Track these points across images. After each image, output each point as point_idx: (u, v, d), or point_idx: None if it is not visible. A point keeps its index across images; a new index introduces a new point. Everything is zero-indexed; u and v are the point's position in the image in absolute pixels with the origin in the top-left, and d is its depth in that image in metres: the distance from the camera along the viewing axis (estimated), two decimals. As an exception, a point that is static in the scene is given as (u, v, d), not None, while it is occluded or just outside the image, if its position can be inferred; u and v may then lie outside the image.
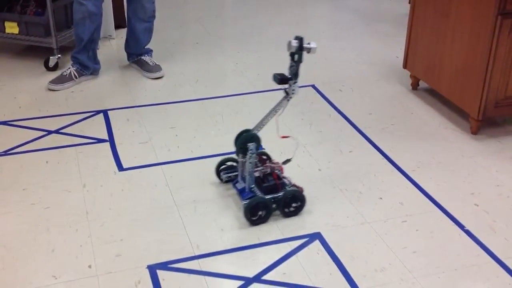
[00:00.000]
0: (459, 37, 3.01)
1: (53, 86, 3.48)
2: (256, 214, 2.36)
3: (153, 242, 2.27)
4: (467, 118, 3.10)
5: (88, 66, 3.58)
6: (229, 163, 2.62)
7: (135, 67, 3.77)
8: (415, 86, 3.53)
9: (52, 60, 3.70)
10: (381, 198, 2.55)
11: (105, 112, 3.23)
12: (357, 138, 3.02)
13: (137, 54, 3.76)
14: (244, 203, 2.37)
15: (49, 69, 3.70)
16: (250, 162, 2.40)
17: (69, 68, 3.56)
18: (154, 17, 3.69)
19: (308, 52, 2.31)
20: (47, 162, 2.77)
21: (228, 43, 4.31)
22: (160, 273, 2.12)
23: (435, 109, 3.31)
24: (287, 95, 2.37)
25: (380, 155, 2.87)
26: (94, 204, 2.48)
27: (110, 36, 4.24)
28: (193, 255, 2.21)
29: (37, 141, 2.94)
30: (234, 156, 2.56)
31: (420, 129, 3.12)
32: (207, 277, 2.10)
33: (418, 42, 3.37)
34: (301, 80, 3.59)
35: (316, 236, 2.31)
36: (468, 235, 2.33)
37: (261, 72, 3.79)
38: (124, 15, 4.16)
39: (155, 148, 2.90)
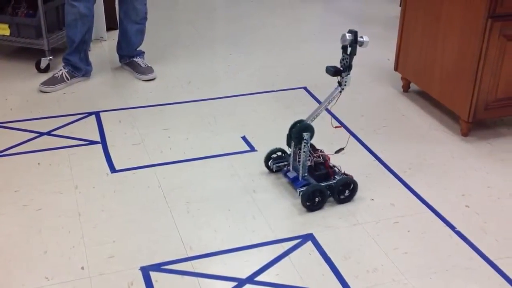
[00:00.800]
0: (450, 40, 3.04)
1: (44, 88, 3.47)
2: (313, 200, 2.45)
3: (146, 244, 2.27)
4: (457, 120, 3.12)
5: (80, 68, 3.58)
6: (278, 153, 2.71)
7: (127, 69, 3.77)
8: (406, 89, 3.55)
9: (44, 62, 3.69)
10: (373, 199, 2.56)
11: (97, 114, 3.23)
12: (349, 140, 3.02)
13: (129, 56, 3.76)
14: (301, 191, 2.46)
15: (41, 71, 3.69)
16: (304, 151, 2.49)
17: (61, 70, 3.55)
18: (146, 19, 3.69)
19: (361, 45, 2.42)
20: (39, 164, 2.77)
21: (220, 45, 4.32)
22: (153, 275, 2.12)
23: (426, 111, 3.34)
24: (340, 86, 2.46)
25: (372, 156, 2.89)
26: (87, 206, 2.48)
27: (102, 38, 4.23)
28: (186, 256, 2.21)
29: (29, 143, 2.94)
30: (280, 147, 2.69)
31: (411, 131, 3.15)
32: (200, 278, 2.11)
33: (409, 44, 3.39)
34: (292, 83, 3.65)
35: (309, 237, 2.32)
36: (459, 236, 2.35)
37: (253, 73, 3.80)
38: (116, 17, 4.15)
39: (147, 150, 2.90)
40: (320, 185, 2.47)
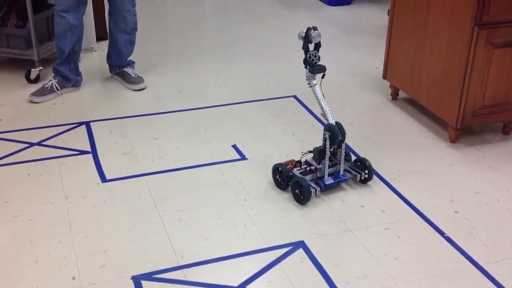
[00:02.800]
0: (437, 48, 3.08)
1: (34, 99, 3.47)
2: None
3: (137, 253, 2.27)
4: (446, 127, 3.15)
5: (70, 78, 3.58)
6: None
7: (118, 79, 3.78)
8: (394, 96, 3.58)
9: (34, 73, 3.69)
10: (363, 206, 2.58)
11: (87, 124, 3.23)
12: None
13: (119, 66, 3.77)
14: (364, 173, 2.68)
15: (31, 81, 3.69)
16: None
17: (51, 80, 3.56)
18: (135, 29, 3.70)
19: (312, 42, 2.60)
20: (29, 174, 2.77)
21: (210, 54, 4.34)
22: (145, 284, 2.12)
23: (414, 118, 3.37)
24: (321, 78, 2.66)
25: (362, 164, 2.91)
26: (77, 216, 2.48)
27: (92, 48, 4.24)
28: (178, 265, 2.21)
29: (19, 153, 2.93)
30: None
31: (400, 138, 3.17)
32: (191, 287, 2.11)
33: (397, 53, 3.43)
34: (282, 91, 3.68)
35: (300, 244, 2.33)
36: (449, 242, 2.37)
37: (243, 82, 3.82)
38: (106, 28, 4.17)
39: (138, 159, 2.91)
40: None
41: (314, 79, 2.65)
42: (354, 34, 4.74)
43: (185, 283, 2.13)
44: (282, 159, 2.90)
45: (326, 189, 2.63)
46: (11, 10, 3.79)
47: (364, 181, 2.72)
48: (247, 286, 2.12)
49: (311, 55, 2.62)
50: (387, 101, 3.58)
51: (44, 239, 2.33)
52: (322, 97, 2.65)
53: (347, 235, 2.40)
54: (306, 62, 2.62)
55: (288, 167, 2.65)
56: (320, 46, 2.62)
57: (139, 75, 3.74)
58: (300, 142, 3.10)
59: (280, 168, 2.66)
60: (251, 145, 3.05)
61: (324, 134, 2.59)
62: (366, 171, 2.69)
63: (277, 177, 2.68)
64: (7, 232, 2.37)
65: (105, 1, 4.09)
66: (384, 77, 3.59)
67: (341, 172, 2.68)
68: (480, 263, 2.25)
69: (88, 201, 2.58)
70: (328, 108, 2.64)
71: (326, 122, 2.63)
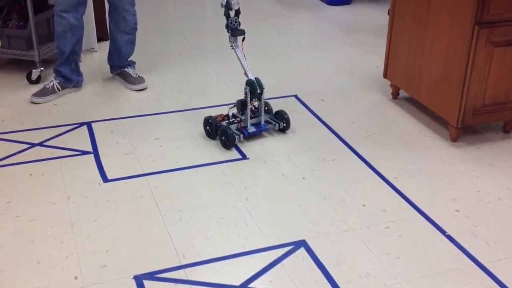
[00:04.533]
0: (438, 47, 3.08)
1: (36, 99, 3.47)
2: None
3: (139, 253, 2.28)
4: (446, 126, 3.15)
5: (71, 79, 3.59)
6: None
7: (118, 79, 3.78)
8: (395, 95, 3.58)
9: (35, 73, 3.70)
10: (364, 205, 2.59)
11: (88, 124, 3.24)
12: (339, 147, 3.06)
13: (120, 66, 3.77)
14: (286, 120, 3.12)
15: (32, 82, 3.70)
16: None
17: (52, 81, 3.56)
18: (136, 29, 3.71)
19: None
20: (31, 174, 2.77)
21: (210, 54, 4.34)
22: (147, 283, 2.13)
23: (415, 117, 3.37)
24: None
25: (363, 163, 2.91)
26: (79, 216, 2.48)
27: (93, 48, 4.24)
28: (180, 264, 2.22)
29: (21, 154, 2.94)
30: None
31: (401, 137, 3.18)
32: (193, 286, 2.12)
33: (397, 52, 3.43)
34: (283, 91, 3.68)
35: (301, 243, 2.34)
36: (450, 240, 2.37)
37: (244, 83, 3.81)
38: (106, 28, 4.17)
39: (139, 159, 2.91)
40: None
41: (236, 41, 3.02)
42: (354, 34, 4.75)
43: (187, 282, 2.14)
44: (284, 159, 2.91)
45: (250, 136, 3.05)
46: (12, 11, 3.79)
47: (283, 130, 3.14)
48: (249, 285, 2.12)
49: (232, 21, 2.97)
50: (388, 100, 3.58)
51: (46, 239, 2.33)
52: (244, 57, 3.04)
53: (348, 234, 2.40)
54: (228, 27, 2.97)
55: (217, 119, 3.05)
56: (239, 12, 2.98)
57: (140, 75, 3.74)
58: (300, 141, 3.10)
59: (210, 120, 3.05)
60: (252, 145, 3.05)
61: (245, 89, 3.00)
62: (284, 121, 3.11)
63: (207, 128, 3.07)
64: (9, 232, 2.38)
65: (105, 2, 4.10)
66: (385, 76, 3.59)
67: (262, 122, 3.09)
68: (482, 261, 2.26)
69: (90, 201, 2.58)
70: (248, 66, 3.03)
71: (247, 78, 3.02)
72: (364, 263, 2.24)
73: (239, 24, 2.99)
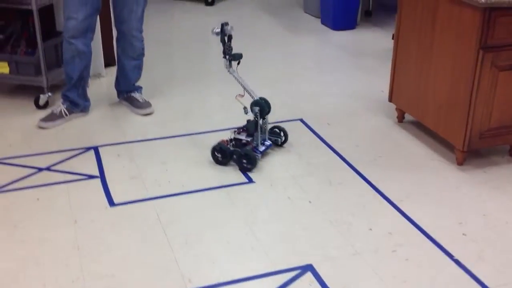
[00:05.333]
0: (442, 71, 3.10)
1: (43, 124, 3.50)
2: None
3: (145, 277, 2.27)
4: (452, 149, 3.16)
5: (78, 104, 3.62)
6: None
7: (125, 104, 3.81)
8: (400, 119, 3.59)
9: (43, 99, 3.73)
10: (371, 229, 2.58)
11: (95, 149, 3.26)
12: (345, 170, 3.06)
13: (127, 91, 3.80)
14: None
15: (40, 107, 3.73)
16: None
17: (59, 106, 3.59)
18: (143, 55, 3.75)
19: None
20: (38, 199, 2.78)
21: (216, 78, 4.36)
22: (153, 308, 2.12)
23: (421, 141, 3.37)
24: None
25: (369, 186, 2.91)
26: (86, 240, 2.48)
27: (100, 74, 4.29)
28: (186, 289, 2.21)
29: (28, 178, 2.95)
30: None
31: (407, 160, 3.18)
32: (200, 311, 2.11)
33: (402, 76, 3.45)
34: (289, 115, 3.70)
35: (308, 267, 2.33)
36: (457, 264, 2.36)
37: (248, 106, 3.84)
38: (114, 54, 4.21)
39: (146, 183, 2.92)
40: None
41: (231, 66, 3.10)
42: (359, 58, 4.78)
43: (193, 307, 2.13)
44: (290, 182, 2.91)
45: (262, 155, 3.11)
46: (21, 37, 3.85)
47: (281, 145, 3.24)
48: (256, 310, 2.11)
49: (228, 47, 3.04)
50: (393, 124, 3.59)
51: (52, 263, 2.33)
52: (242, 79, 3.11)
53: (355, 258, 2.39)
54: (225, 52, 3.05)
55: (227, 145, 3.07)
56: (232, 38, 3.04)
57: (147, 100, 3.77)
58: (307, 165, 3.11)
59: (220, 147, 3.06)
60: (257, 168, 3.06)
61: (253, 110, 3.06)
62: (283, 133, 3.23)
63: (218, 155, 3.06)
64: (15, 257, 2.38)
65: (113, 28, 4.15)
66: (390, 100, 3.61)
67: (266, 140, 3.17)
68: (489, 285, 2.24)
69: (96, 225, 2.59)
70: (249, 87, 3.12)
71: (245, 104, 3.08)
72: (371, 287, 2.23)
73: (232, 49, 3.08)
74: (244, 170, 3.00)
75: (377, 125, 3.60)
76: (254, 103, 3.08)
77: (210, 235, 2.53)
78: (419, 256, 2.40)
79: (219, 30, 3.02)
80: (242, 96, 3.11)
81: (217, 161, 3.08)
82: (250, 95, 3.12)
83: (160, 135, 3.44)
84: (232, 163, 3.07)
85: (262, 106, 3.08)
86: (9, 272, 2.29)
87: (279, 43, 5.17)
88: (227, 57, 3.06)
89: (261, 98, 3.10)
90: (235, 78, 3.10)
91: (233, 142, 3.10)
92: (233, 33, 3.04)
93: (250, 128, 3.09)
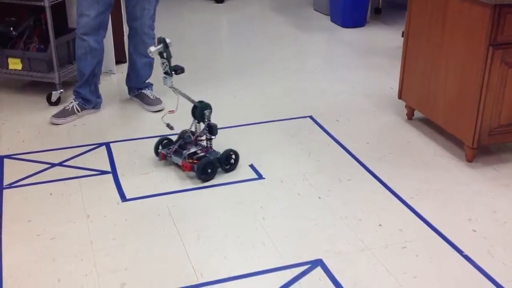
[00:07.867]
0: (452, 68, 3.10)
1: (56, 120, 3.54)
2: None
3: (158, 271, 2.30)
4: (462, 146, 3.16)
5: (90, 100, 3.65)
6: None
7: (136, 101, 3.84)
8: (410, 116, 3.60)
9: (55, 95, 3.77)
10: (380, 225, 2.59)
11: (107, 145, 3.29)
12: (355, 167, 3.08)
13: (138, 88, 3.84)
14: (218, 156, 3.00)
15: (52, 103, 3.77)
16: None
17: (72, 102, 3.63)
18: (154, 52, 3.77)
19: (169, 47, 2.96)
20: (51, 194, 2.82)
21: (226, 76, 4.39)
22: (165, 301, 2.15)
23: (430, 138, 3.38)
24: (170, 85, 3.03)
25: (378, 183, 2.92)
26: (98, 234, 2.52)
27: (111, 71, 4.32)
28: (197, 283, 2.24)
29: (41, 173, 2.99)
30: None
31: (416, 157, 3.19)
32: (211, 304, 2.13)
33: (412, 73, 3.46)
34: (299, 112, 3.71)
35: (318, 262, 2.35)
36: (467, 260, 2.37)
37: (259, 103, 3.87)
38: (124, 51, 4.25)
39: (157, 179, 2.95)
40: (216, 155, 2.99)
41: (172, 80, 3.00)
42: (369, 55, 4.79)
43: (205, 301, 2.15)
44: (300, 179, 2.93)
45: None
46: (33, 34, 3.89)
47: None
48: (266, 304, 2.14)
49: (169, 62, 2.97)
50: (403, 121, 3.60)
51: (66, 258, 2.37)
52: (182, 92, 3.04)
53: (365, 253, 2.41)
54: (171, 68, 2.96)
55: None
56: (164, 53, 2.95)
57: (157, 97, 3.80)
58: (316, 162, 3.12)
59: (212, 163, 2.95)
60: (268, 165, 3.08)
61: (204, 113, 2.99)
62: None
63: (209, 171, 2.94)
64: (30, 251, 2.41)
65: (124, 25, 4.19)
66: (400, 97, 3.61)
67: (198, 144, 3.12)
68: (499, 281, 2.25)
69: (109, 220, 2.62)
70: (187, 95, 3.05)
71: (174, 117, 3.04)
72: (381, 282, 2.25)
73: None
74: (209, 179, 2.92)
75: (387, 122, 3.61)
76: (204, 107, 2.99)
77: (221, 230, 2.55)
78: (429, 252, 2.42)
79: (161, 47, 2.93)
80: (174, 112, 3.04)
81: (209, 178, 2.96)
82: (191, 100, 3.03)
83: (170, 131, 3.45)
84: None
85: (210, 107, 3.01)
86: (24, 266, 2.32)
87: (289, 41, 5.18)
88: (173, 72, 2.97)
89: (200, 102, 3.02)
90: (177, 90, 3.01)
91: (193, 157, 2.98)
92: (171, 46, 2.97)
93: (214, 131, 3.02)
